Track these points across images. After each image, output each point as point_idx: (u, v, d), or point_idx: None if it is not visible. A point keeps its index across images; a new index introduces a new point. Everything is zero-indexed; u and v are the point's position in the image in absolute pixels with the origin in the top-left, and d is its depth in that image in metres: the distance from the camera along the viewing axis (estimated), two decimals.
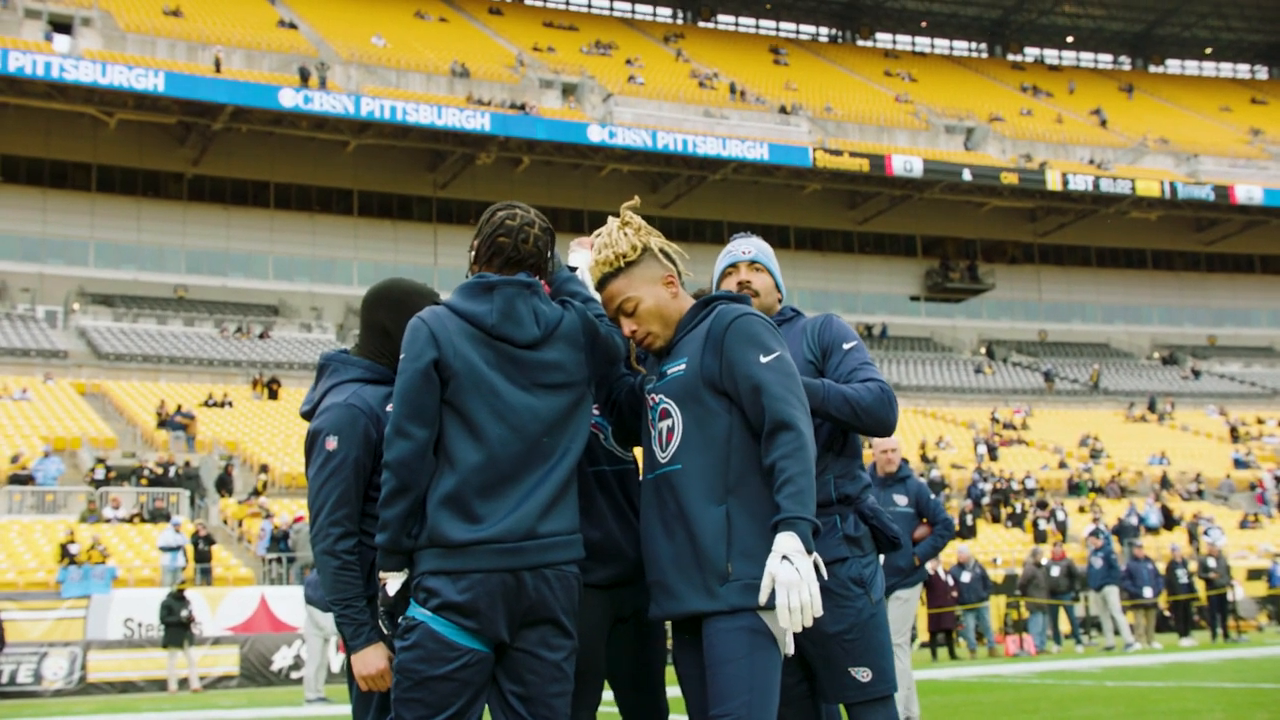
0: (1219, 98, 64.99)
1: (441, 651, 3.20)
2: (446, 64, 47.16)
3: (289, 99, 39.94)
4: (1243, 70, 70.23)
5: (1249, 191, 52.21)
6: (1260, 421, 47.28)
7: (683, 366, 3.39)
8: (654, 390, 3.45)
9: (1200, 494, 38.29)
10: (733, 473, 3.30)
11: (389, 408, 3.52)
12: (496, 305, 3.44)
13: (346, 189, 46.95)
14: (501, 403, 3.36)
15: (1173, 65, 69.77)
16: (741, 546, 3.22)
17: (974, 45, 66.10)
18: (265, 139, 43.51)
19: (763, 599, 3.06)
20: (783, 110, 49.72)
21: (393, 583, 3.32)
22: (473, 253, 3.57)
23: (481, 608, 3.22)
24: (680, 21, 63.15)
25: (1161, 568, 23.86)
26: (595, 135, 44.00)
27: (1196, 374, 53.59)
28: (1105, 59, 69.05)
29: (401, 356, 3.39)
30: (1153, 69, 69.07)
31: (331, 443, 3.60)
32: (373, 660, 3.50)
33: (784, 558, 3.02)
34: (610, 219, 3.52)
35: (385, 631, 3.40)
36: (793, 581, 2.99)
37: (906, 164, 46.84)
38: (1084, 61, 68.74)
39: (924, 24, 64.81)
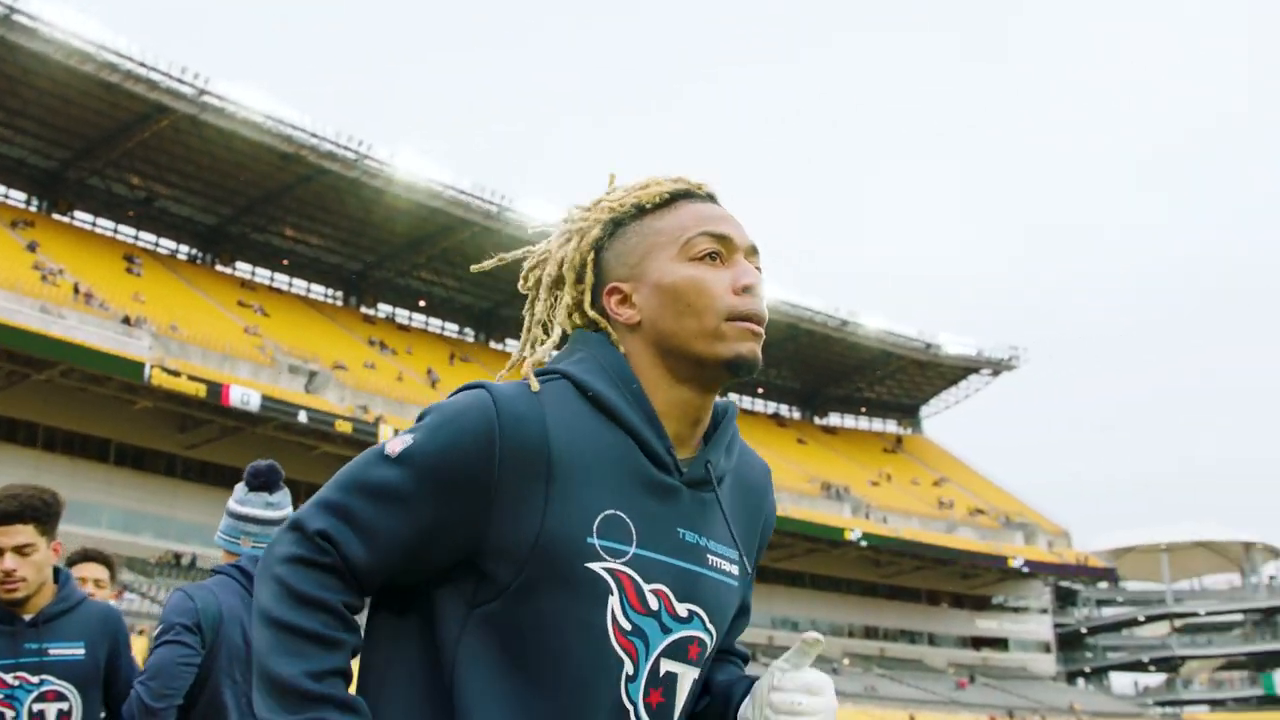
0: None
1: None
2: None
3: None
4: (451, 329, 72.94)
5: None
6: None
7: (733, 563, 1.90)
8: (681, 589, 1.80)
9: None
10: None
11: None
12: None
13: None
14: None
15: (513, 345, 74.57)
16: None
17: (331, 292, 67.70)
18: None
19: None
20: (126, 320, 48.16)
21: None
22: None
23: None
24: (35, 209, 60.04)
25: None
26: None
27: None
28: (452, 328, 72.88)
29: None
30: (494, 345, 73.71)
31: None
32: None
33: None
34: None
35: None
36: None
37: (244, 396, 46.58)
38: (432, 326, 72.17)
39: (285, 262, 65.72)
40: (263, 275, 65.76)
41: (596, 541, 1.69)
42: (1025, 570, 69.68)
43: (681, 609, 1.76)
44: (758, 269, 1.85)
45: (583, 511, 1.69)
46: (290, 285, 66.63)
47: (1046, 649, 74.81)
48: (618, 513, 1.71)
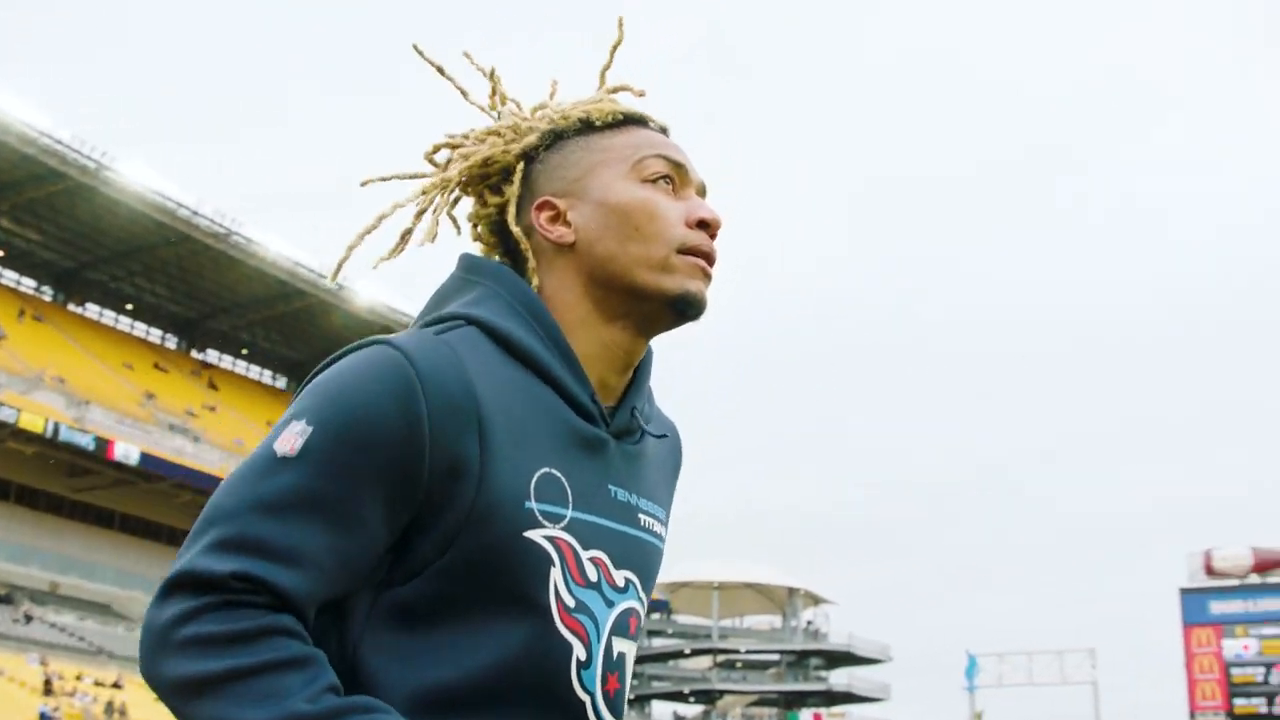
0: (126, 354, 66.91)
1: None
2: None
3: None
4: (155, 334, 73.18)
5: (127, 450, 53.81)
6: (79, 678, 47.38)
7: (661, 523, 1.68)
8: (618, 555, 1.56)
9: None
10: None
11: None
12: None
13: None
14: None
15: (92, 310, 70.84)
16: None
17: None
18: None
19: None
20: None
21: None
22: None
23: None
24: None
25: None
26: None
27: (29, 619, 52.69)
28: (29, 283, 68.34)
29: None
30: (73, 307, 69.60)
31: None
32: None
33: None
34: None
35: None
36: None
37: None
38: (7, 279, 67.36)
39: None
40: None
41: (535, 506, 1.42)
42: None
43: (619, 577, 1.52)
44: None
45: (518, 472, 1.42)
46: None
47: None
48: (552, 471, 1.45)
